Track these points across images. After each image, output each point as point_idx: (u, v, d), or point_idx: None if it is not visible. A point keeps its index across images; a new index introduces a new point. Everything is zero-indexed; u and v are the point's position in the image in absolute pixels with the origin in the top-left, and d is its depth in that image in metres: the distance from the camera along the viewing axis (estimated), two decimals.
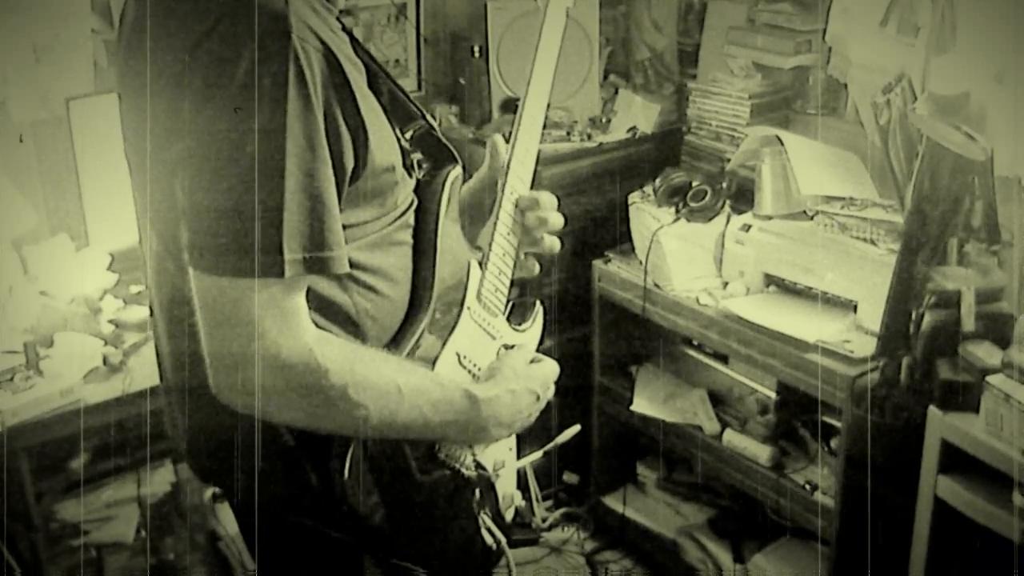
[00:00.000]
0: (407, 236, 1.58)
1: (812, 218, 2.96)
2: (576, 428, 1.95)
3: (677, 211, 3.18)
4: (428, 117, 1.65)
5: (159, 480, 2.99)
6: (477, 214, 1.81)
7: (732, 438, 3.08)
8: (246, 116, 1.27)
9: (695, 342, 3.26)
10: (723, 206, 3.17)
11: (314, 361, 1.33)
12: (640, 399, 3.34)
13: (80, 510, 2.85)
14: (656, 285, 3.14)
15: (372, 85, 1.47)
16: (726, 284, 3.08)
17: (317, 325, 1.39)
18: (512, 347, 1.72)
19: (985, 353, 2.44)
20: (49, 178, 3.02)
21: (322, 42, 1.34)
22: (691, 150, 3.48)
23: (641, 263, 3.17)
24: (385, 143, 1.47)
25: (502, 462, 1.77)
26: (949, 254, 2.58)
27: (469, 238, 1.78)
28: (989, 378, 2.35)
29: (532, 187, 1.78)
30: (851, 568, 2.81)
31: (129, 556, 2.94)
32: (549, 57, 1.77)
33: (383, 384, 1.41)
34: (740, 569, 3.21)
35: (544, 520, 3.62)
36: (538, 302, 1.87)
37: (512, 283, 1.74)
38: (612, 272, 3.31)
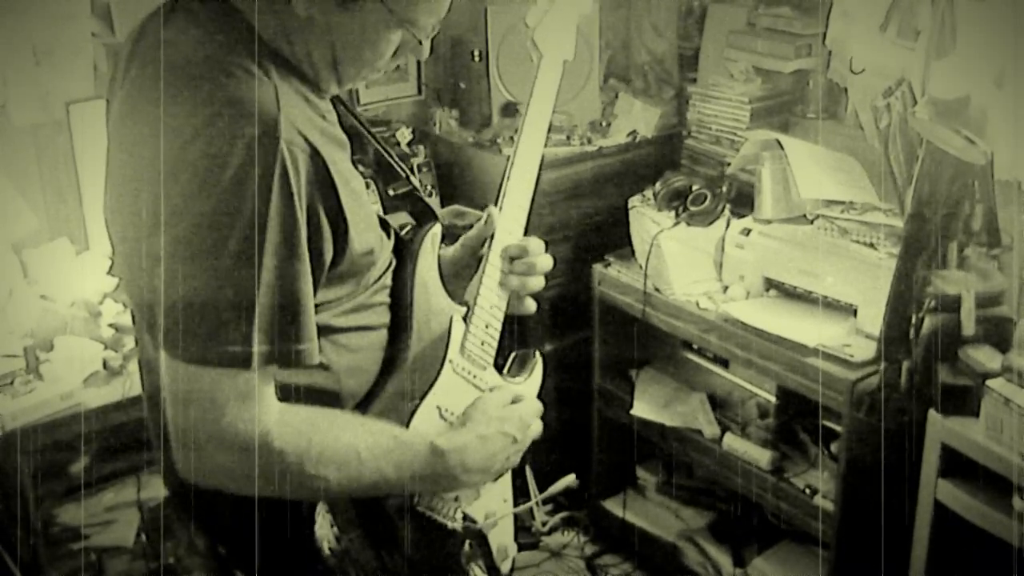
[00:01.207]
0: (384, 296, 1.60)
1: (812, 222, 2.96)
2: (572, 478, 1.92)
3: (677, 215, 3.18)
4: (412, 178, 1.70)
5: (159, 484, 2.98)
6: (464, 272, 1.82)
7: (732, 442, 3.08)
8: (231, 212, 1.30)
9: (695, 346, 3.26)
10: (723, 210, 3.16)
11: (269, 444, 1.37)
12: (640, 403, 3.34)
13: (80, 514, 2.86)
14: (656, 289, 3.14)
15: (358, 149, 1.52)
16: (726, 288, 3.08)
17: (291, 385, 1.44)
18: (485, 395, 1.70)
19: (985, 357, 2.44)
20: (49, 182, 3.02)
21: (309, 143, 1.37)
22: (691, 154, 3.48)
23: (641, 267, 3.17)
24: (364, 230, 1.49)
25: (494, 512, 1.75)
26: (949, 258, 2.58)
27: (455, 294, 1.77)
28: (989, 382, 2.35)
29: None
30: (851, 572, 2.81)
31: (129, 560, 2.94)
32: (544, 108, 1.78)
33: (342, 452, 1.44)
34: (740, 573, 3.21)
35: (544, 524, 3.62)
36: (538, 353, 1.86)
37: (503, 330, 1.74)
38: (612, 276, 3.31)
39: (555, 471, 1.99)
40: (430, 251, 1.67)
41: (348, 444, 1.45)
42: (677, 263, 3.10)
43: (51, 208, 3.03)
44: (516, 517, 1.82)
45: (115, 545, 2.92)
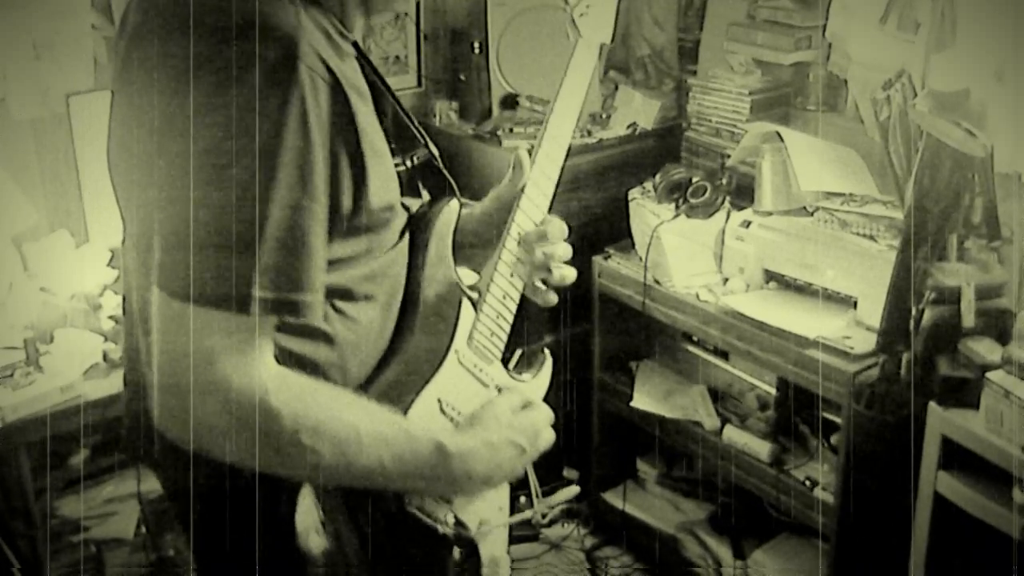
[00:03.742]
0: (396, 269, 1.50)
1: (812, 214, 2.96)
2: (574, 489, 1.86)
3: (677, 207, 3.18)
4: (431, 146, 1.57)
5: None
6: (486, 240, 1.71)
7: (732, 434, 3.08)
8: (240, 140, 1.21)
9: (695, 338, 3.26)
10: (723, 202, 3.16)
11: (266, 403, 1.25)
12: (640, 395, 3.34)
13: (80, 506, 2.86)
14: (656, 281, 3.14)
15: (377, 109, 1.40)
16: (726, 280, 3.08)
17: (293, 352, 1.34)
18: (498, 396, 1.60)
19: (985, 349, 2.44)
20: (49, 174, 3.02)
21: (331, 73, 1.27)
22: (691, 146, 3.48)
23: (641, 259, 3.17)
24: (385, 183, 1.40)
25: (488, 521, 1.63)
26: (949, 250, 2.58)
27: (477, 258, 1.69)
28: (989, 374, 2.35)
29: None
30: (851, 564, 2.81)
31: (129, 552, 2.94)
32: (575, 93, 1.70)
33: (341, 430, 1.33)
34: (740, 565, 3.21)
35: (544, 516, 3.62)
36: (547, 351, 1.76)
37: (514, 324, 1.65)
38: (612, 268, 3.31)
39: (555, 464, 1.95)
40: (447, 227, 1.57)
41: (349, 423, 1.34)
42: (677, 255, 3.10)
43: (51, 201, 3.03)
44: (512, 524, 1.72)
45: (115, 537, 2.92)
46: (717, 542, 3.31)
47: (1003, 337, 2.47)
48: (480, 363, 1.59)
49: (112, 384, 2.61)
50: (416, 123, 1.56)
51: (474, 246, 1.72)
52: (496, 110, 3.49)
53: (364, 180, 1.34)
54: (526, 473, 1.68)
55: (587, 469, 3.62)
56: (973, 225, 2.61)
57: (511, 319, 1.64)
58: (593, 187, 3.46)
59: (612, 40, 1.78)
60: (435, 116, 3.61)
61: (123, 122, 1.39)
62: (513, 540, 1.74)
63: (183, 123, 1.22)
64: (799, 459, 3.00)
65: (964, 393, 2.42)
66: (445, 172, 1.58)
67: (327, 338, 1.40)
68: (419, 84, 3.69)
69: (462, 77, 3.60)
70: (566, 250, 1.69)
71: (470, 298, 1.59)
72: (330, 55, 1.29)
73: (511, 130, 3.35)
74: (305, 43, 1.24)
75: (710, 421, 3.16)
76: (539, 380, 1.74)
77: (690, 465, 3.57)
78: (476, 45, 3.46)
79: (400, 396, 1.49)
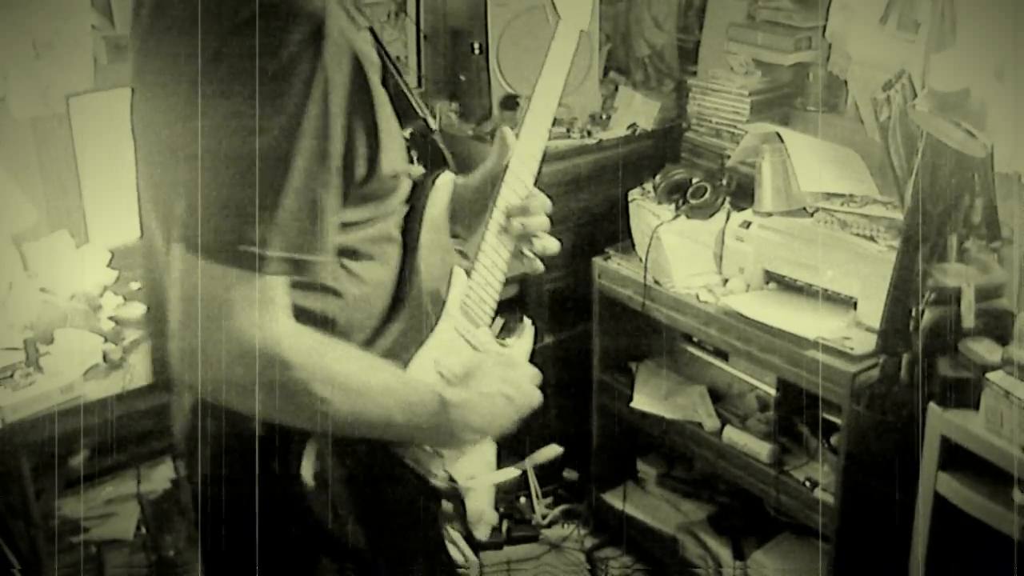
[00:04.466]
0: (399, 234, 1.58)
1: (812, 215, 2.96)
2: (556, 448, 1.90)
3: (677, 208, 3.18)
4: (428, 118, 1.64)
5: (159, 477, 2.99)
6: (478, 210, 1.79)
7: (732, 435, 3.08)
8: (265, 111, 1.28)
9: (695, 339, 3.26)
10: (723, 203, 3.16)
11: (279, 354, 1.33)
12: (640, 396, 3.34)
13: (80, 507, 2.85)
14: (656, 282, 3.14)
15: (383, 81, 1.47)
16: (726, 281, 3.08)
17: (304, 307, 1.40)
18: (485, 355, 1.69)
19: (985, 350, 2.44)
20: (49, 175, 3.01)
21: (352, 50, 1.34)
22: (691, 147, 3.48)
23: (641, 260, 3.17)
24: (395, 151, 1.48)
25: (476, 476, 1.71)
26: (949, 251, 2.58)
27: (470, 226, 1.78)
28: (989, 375, 2.35)
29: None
30: (851, 564, 2.81)
31: (129, 553, 2.94)
32: (556, 74, 1.77)
33: (350, 381, 1.41)
34: (740, 566, 3.21)
35: (544, 517, 3.62)
36: (527, 319, 1.85)
37: (508, 287, 1.73)
38: (612, 269, 3.31)
39: (555, 463, 1.97)
40: (443, 197, 1.65)
41: (358, 374, 1.42)
42: (677, 256, 3.10)
43: (51, 201, 3.03)
44: (503, 491, 1.80)
45: (115, 538, 2.92)
46: (717, 542, 3.31)
47: (1003, 338, 2.47)
48: (470, 327, 1.68)
49: (112, 384, 2.61)
50: (415, 95, 1.63)
51: (463, 218, 1.80)
52: (496, 110, 3.49)
53: (377, 149, 1.42)
54: (526, 473, 1.74)
55: (587, 469, 3.62)
56: (973, 225, 2.61)
57: (499, 287, 1.73)
58: (593, 187, 3.46)
59: (587, 28, 1.85)
60: (435, 116, 3.61)
61: (150, 105, 1.46)
62: (513, 541, 1.77)
63: (212, 97, 1.29)
64: (799, 460, 3.00)
65: (964, 394, 2.42)
66: (441, 144, 1.65)
67: (336, 294, 1.47)
68: (419, 84, 3.69)
69: (462, 77, 3.60)
70: (544, 222, 1.76)
71: (462, 265, 1.68)
72: (350, 30, 1.36)
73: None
74: (331, 20, 1.30)
75: (710, 422, 3.16)
76: (522, 343, 1.82)
77: (690, 466, 3.57)
78: (476, 45, 3.46)
79: (398, 354, 1.56)
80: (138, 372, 2.65)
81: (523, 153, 1.74)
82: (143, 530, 2.96)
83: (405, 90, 1.59)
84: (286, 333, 1.34)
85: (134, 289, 2.96)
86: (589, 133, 3.48)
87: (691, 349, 3.34)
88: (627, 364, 3.50)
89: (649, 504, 3.55)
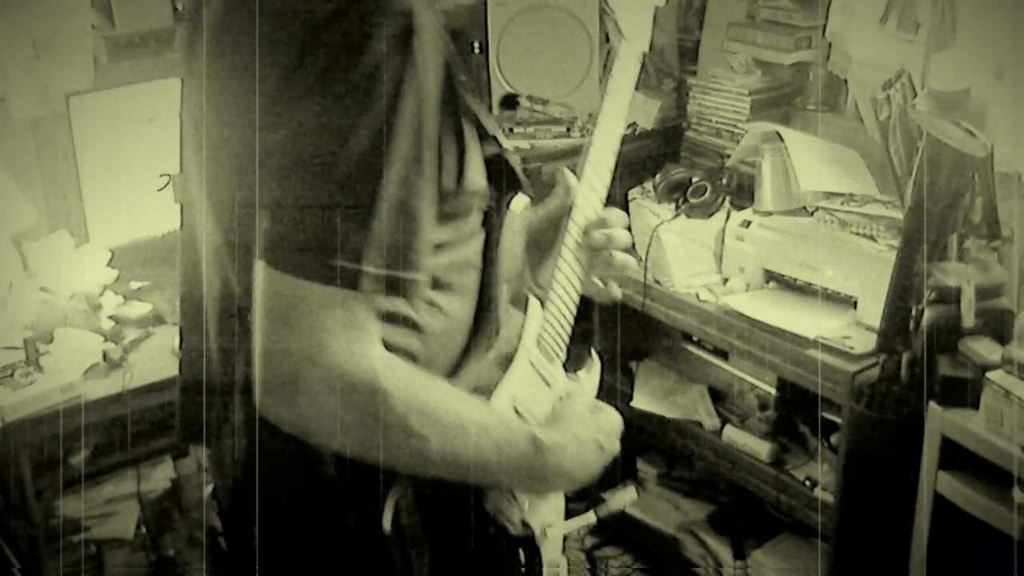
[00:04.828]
0: (477, 260, 1.46)
1: (812, 214, 2.96)
2: (631, 493, 1.84)
3: (677, 207, 3.18)
4: (500, 136, 1.47)
5: (159, 476, 2.99)
6: (544, 248, 1.68)
7: (732, 434, 3.09)
8: (357, 112, 1.18)
9: (695, 338, 3.26)
10: (723, 202, 3.16)
11: (377, 383, 1.20)
12: (640, 395, 3.34)
13: (80, 506, 2.86)
14: (656, 281, 3.14)
15: None
16: (726, 280, 3.08)
17: (384, 340, 1.26)
18: (570, 394, 1.58)
19: (985, 349, 2.44)
20: (49, 174, 3.02)
21: (443, 49, 1.27)
22: (691, 146, 3.48)
23: (641, 259, 3.17)
24: (477, 165, 1.37)
25: (550, 524, 1.58)
26: (949, 250, 2.58)
27: (532, 265, 1.67)
28: (989, 374, 2.35)
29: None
30: (851, 564, 2.81)
31: (129, 552, 2.94)
32: (621, 95, 1.72)
33: (447, 416, 1.27)
34: (740, 565, 3.21)
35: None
36: (594, 351, 1.72)
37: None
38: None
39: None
40: (518, 222, 1.53)
41: (454, 410, 1.29)
42: (677, 255, 3.10)
43: (51, 201, 3.03)
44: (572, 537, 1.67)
45: (115, 537, 2.92)
46: (717, 542, 3.31)
47: (1003, 337, 2.47)
48: (544, 362, 1.56)
49: (112, 384, 2.62)
50: (491, 112, 1.52)
51: (531, 249, 1.70)
52: (496, 110, 3.49)
53: (464, 160, 1.33)
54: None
55: None
56: (973, 225, 2.61)
57: (572, 319, 1.62)
58: None
59: (648, 49, 1.79)
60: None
61: (213, 101, 1.35)
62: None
63: (296, 97, 1.20)
64: (799, 459, 3.00)
65: (964, 393, 2.42)
66: (516, 166, 1.50)
67: (416, 327, 1.34)
68: None
69: (462, 77, 3.59)
70: (626, 236, 1.67)
71: (538, 296, 1.57)
72: (439, 29, 1.27)
73: (511, 130, 3.34)
74: (422, 15, 1.22)
75: (710, 421, 3.16)
76: (592, 378, 1.71)
77: (690, 465, 3.57)
78: (476, 45, 3.46)
79: (477, 392, 1.44)
80: (138, 371, 2.66)
81: (589, 185, 1.66)
82: (143, 529, 2.97)
83: (475, 106, 1.45)
84: (379, 360, 1.22)
85: (134, 288, 2.97)
86: (589, 132, 3.48)
87: (691, 348, 3.34)
88: (627, 363, 3.50)
89: (649, 503, 3.55)
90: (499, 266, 1.48)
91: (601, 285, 1.71)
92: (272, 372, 1.20)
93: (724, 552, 3.27)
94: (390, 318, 1.27)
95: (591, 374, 1.70)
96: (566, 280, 1.60)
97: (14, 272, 2.84)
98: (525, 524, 1.51)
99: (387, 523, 1.34)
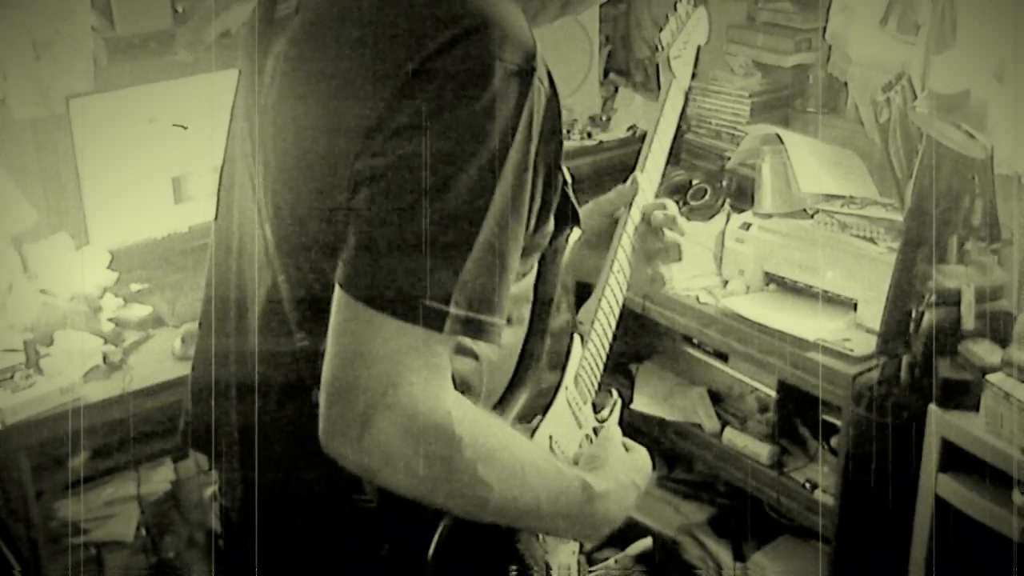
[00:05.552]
0: (531, 292, 1.44)
1: (812, 216, 2.96)
2: (647, 541, 1.82)
3: (678, 208, 3.18)
4: (566, 171, 1.39)
5: (159, 478, 2.99)
6: (598, 242, 1.68)
7: (732, 436, 3.08)
8: (468, 149, 1.13)
9: (695, 340, 3.26)
10: (723, 204, 3.17)
11: (451, 428, 1.15)
12: (640, 397, 3.34)
13: (80, 508, 2.85)
14: None
15: None
16: (726, 282, 3.08)
17: None
18: (599, 434, 1.55)
19: (985, 351, 2.44)
20: (49, 176, 3.01)
21: (551, 83, 1.22)
22: (691, 148, 3.48)
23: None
24: (554, 204, 1.32)
25: (567, 567, 1.55)
26: (949, 252, 2.58)
27: (583, 267, 1.68)
28: (989, 376, 2.35)
29: None
30: (851, 566, 2.81)
31: (129, 554, 2.94)
32: (666, 136, 1.76)
33: (511, 463, 1.23)
34: (740, 567, 3.21)
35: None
36: (615, 392, 1.70)
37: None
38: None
39: None
40: (567, 256, 1.54)
41: (516, 455, 1.24)
42: None
43: (51, 202, 3.03)
44: None
45: (115, 539, 2.91)
46: (717, 544, 3.30)
47: (1003, 339, 2.47)
48: (579, 401, 1.53)
49: (112, 386, 2.61)
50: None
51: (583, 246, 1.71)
52: None
53: (552, 198, 1.29)
54: None
55: None
56: (973, 227, 2.61)
57: (605, 358, 1.60)
58: (593, 189, 3.43)
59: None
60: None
61: (287, 111, 1.30)
62: None
63: (409, 116, 1.15)
64: (799, 461, 3.00)
65: (964, 395, 2.42)
66: (574, 200, 1.42)
67: (476, 357, 1.33)
68: None
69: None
70: (684, 221, 1.72)
71: (580, 334, 1.54)
72: (546, 66, 1.22)
73: None
74: (539, 52, 1.18)
75: (710, 423, 3.16)
76: (614, 418, 1.67)
77: (690, 467, 3.57)
78: None
79: (519, 422, 1.43)
80: (138, 373, 2.65)
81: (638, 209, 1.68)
82: (143, 532, 2.96)
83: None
84: (455, 404, 1.17)
85: (134, 291, 2.96)
86: (589, 135, 3.48)
87: (691, 351, 3.34)
88: (627, 365, 3.50)
89: (649, 505, 3.55)
90: (551, 297, 1.46)
91: (652, 273, 1.72)
92: (340, 408, 1.15)
93: (724, 554, 3.26)
94: (457, 350, 1.25)
95: (614, 414, 1.68)
96: (606, 318, 1.58)
97: (14, 274, 2.84)
98: (548, 566, 1.49)
99: (431, 550, 1.29)
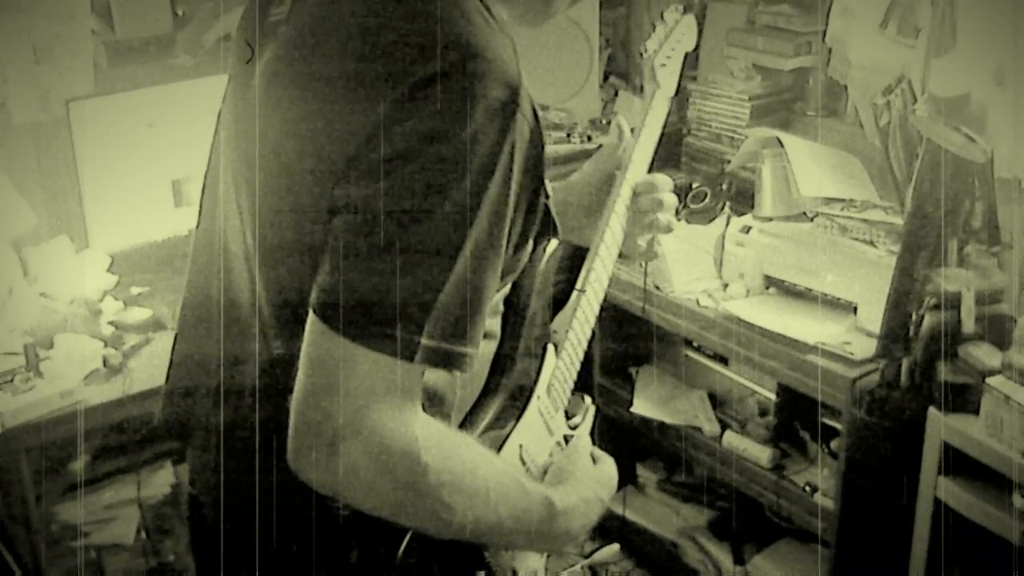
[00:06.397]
0: (503, 307, 1.46)
1: (812, 220, 2.96)
2: (615, 548, 1.83)
3: (677, 213, 3.18)
4: (548, 187, 1.38)
5: (159, 481, 2.99)
6: (592, 209, 1.70)
7: (732, 440, 3.08)
8: (448, 183, 1.13)
9: (695, 344, 3.26)
10: (723, 208, 3.17)
11: (417, 454, 1.17)
12: (640, 400, 3.34)
13: (80, 512, 2.85)
14: (656, 287, 3.14)
15: None
16: (726, 286, 3.08)
17: None
18: (568, 444, 1.56)
19: (985, 355, 2.44)
20: (49, 179, 3.02)
21: (535, 115, 1.21)
22: (691, 152, 3.49)
23: (641, 265, 3.17)
24: (535, 227, 1.32)
25: (533, 571, 1.58)
26: (949, 256, 2.58)
27: (576, 229, 1.70)
28: (989, 380, 2.34)
29: None
30: (851, 570, 2.81)
31: (129, 558, 2.94)
32: (651, 139, 1.76)
33: (476, 486, 1.24)
34: (740, 571, 3.21)
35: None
36: (588, 398, 1.71)
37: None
38: (612, 274, 3.30)
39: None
40: (544, 267, 1.54)
41: (481, 477, 1.25)
42: (677, 261, 3.10)
43: (51, 206, 3.03)
44: None
45: (115, 543, 2.92)
46: (717, 548, 3.30)
47: (1003, 342, 2.47)
48: (551, 410, 1.55)
49: (112, 389, 2.62)
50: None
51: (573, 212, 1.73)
52: None
53: (533, 224, 1.30)
54: None
55: None
56: (973, 230, 2.61)
57: (579, 368, 1.61)
58: None
59: (676, 93, 1.83)
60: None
61: (276, 114, 1.29)
62: None
63: (383, 156, 1.15)
64: (799, 464, 3.00)
65: (964, 398, 2.42)
66: (554, 214, 1.40)
67: (450, 372, 1.31)
68: None
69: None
70: (672, 199, 1.71)
71: (554, 343, 1.55)
72: (531, 99, 1.22)
73: None
74: (524, 85, 1.18)
75: (710, 426, 3.16)
76: (586, 426, 1.68)
77: (690, 471, 3.56)
78: None
79: (490, 431, 1.45)
80: (138, 377, 2.65)
81: (611, 232, 1.67)
82: (143, 535, 2.96)
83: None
84: (420, 430, 1.18)
85: (134, 294, 2.97)
86: (589, 138, 3.48)
87: (691, 354, 3.34)
88: (627, 369, 3.50)
89: (649, 509, 3.55)
90: (525, 308, 1.48)
91: (644, 247, 1.73)
92: (308, 432, 1.16)
93: (724, 558, 3.27)
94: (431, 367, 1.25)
95: (586, 420, 1.68)
96: (580, 328, 1.59)
97: (14, 277, 2.84)
98: (514, 571, 1.52)
99: (399, 556, 1.32)
